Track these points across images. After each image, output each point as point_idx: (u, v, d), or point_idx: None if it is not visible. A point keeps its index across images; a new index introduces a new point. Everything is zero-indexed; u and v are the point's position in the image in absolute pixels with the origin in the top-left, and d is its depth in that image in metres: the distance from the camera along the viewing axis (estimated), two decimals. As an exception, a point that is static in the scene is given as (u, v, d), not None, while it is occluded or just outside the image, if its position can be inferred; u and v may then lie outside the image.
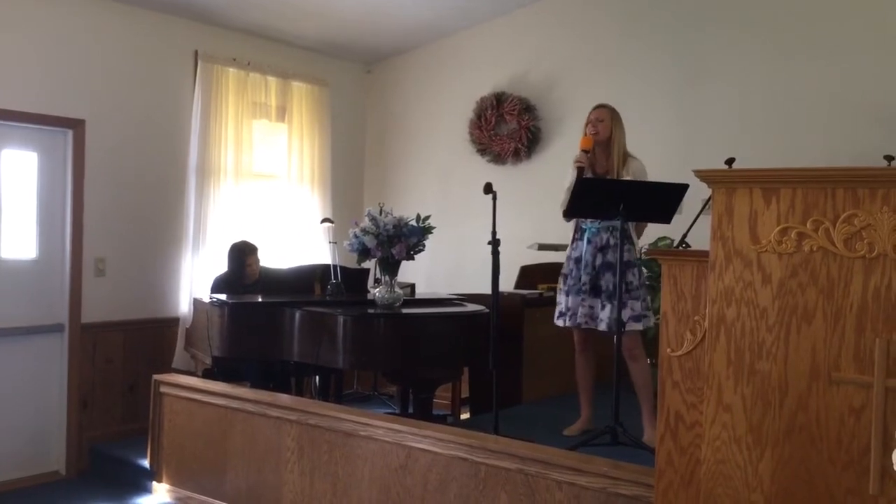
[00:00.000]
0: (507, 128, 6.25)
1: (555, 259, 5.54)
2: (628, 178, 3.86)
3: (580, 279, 3.88)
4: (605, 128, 3.91)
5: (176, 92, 5.77)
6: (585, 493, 3.02)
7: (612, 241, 3.82)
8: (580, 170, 3.82)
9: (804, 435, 2.13)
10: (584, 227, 3.92)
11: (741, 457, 2.21)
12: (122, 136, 5.45)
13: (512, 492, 3.22)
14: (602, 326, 3.81)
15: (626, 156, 3.92)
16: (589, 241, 3.86)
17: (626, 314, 3.75)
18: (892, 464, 1.98)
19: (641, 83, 5.55)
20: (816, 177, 2.12)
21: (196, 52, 5.82)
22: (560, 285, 4.02)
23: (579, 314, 3.87)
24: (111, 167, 5.39)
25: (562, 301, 3.98)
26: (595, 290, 3.82)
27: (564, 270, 3.99)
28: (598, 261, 3.83)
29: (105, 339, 5.39)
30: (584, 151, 3.86)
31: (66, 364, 5.22)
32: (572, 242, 3.99)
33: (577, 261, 3.92)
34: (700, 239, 3.42)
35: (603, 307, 3.80)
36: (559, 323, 4.00)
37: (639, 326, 3.80)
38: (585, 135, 3.93)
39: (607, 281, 3.79)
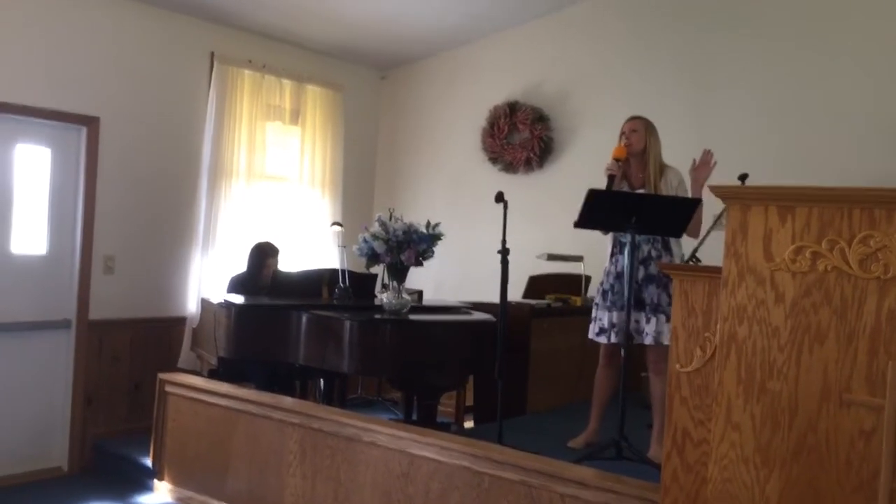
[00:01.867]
0: (519, 137, 6.25)
1: (564, 270, 5.53)
2: (667, 188, 3.83)
3: (623, 294, 3.79)
4: (639, 139, 3.87)
5: (191, 92, 5.79)
6: (589, 507, 3.00)
7: (653, 253, 3.79)
8: (611, 178, 3.78)
9: (813, 456, 2.10)
10: (623, 240, 3.84)
11: (749, 476, 2.19)
12: (135, 134, 5.47)
13: (514, 503, 3.19)
14: (647, 340, 3.74)
15: (662, 167, 3.89)
16: (629, 255, 3.82)
17: (669, 327, 3.71)
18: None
19: (655, 95, 5.54)
20: (833, 196, 2.10)
21: (212, 54, 5.83)
22: (598, 301, 3.93)
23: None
24: (124, 165, 5.40)
25: (603, 317, 3.88)
26: (639, 304, 3.73)
27: (605, 286, 3.91)
28: (640, 273, 3.75)
29: (112, 336, 5.40)
30: (616, 160, 3.82)
31: (73, 360, 5.23)
32: (611, 257, 3.92)
33: (619, 276, 3.84)
34: (710, 255, 3.42)
35: (648, 320, 3.73)
36: (601, 340, 3.91)
37: None
38: (620, 144, 3.89)
39: (651, 294, 3.73)
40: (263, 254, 5.38)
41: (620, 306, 3.81)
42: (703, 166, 3.80)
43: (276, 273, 5.53)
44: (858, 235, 2.05)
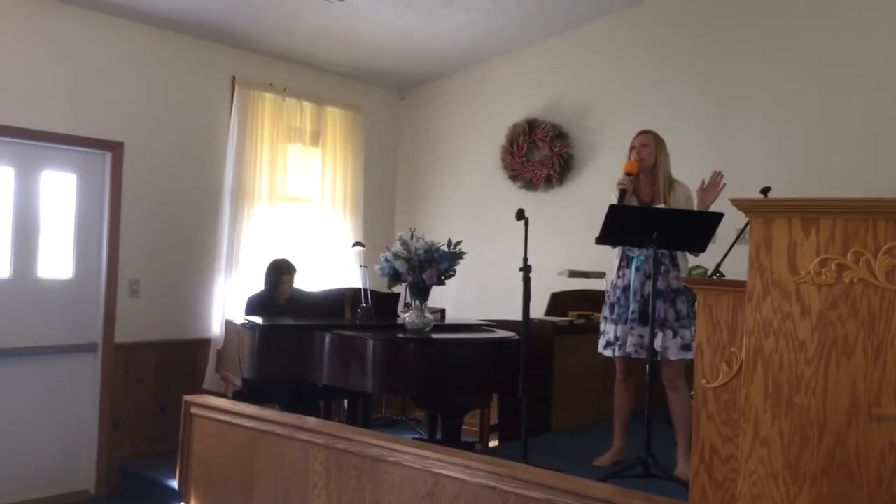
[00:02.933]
0: (539, 154, 6.25)
1: (586, 286, 5.51)
2: (675, 203, 3.81)
3: (629, 308, 3.81)
4: (650, 153, 3.86)
5: (213, 116, 5.86)
6: (616, 525, 2.96)
7: (661, 269, 3.77)
8: (622, 192, 3.77)
9: (843, 471, 2.07)
10: (630, 254, 3.84)
11: (778, 493, 2.16)
12: (159, 158, 5.54)
13: (541, 522, 3.16)
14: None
15: (671, 181, 3.88)
16: (637, 269, 3.79)
17: (676, 343, 3.69)
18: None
19: (674, 109, 5.53)
20: (857, 207, 2.07)
21: (233, 78, 5.91)
22: (606, 314, 3.93)
23: (629, 343, 3.79)
24: (148, 189, 5.47)
25: (609, 330, 3.89)
26: (644, 319, 3.70)
27: (611, 299, 3.91)
28: (647, 288, 3.74)
29: (137, 359, 5.44)
30: (628, 174, 3.82)
31: (99, 383, 5.28)
32: (618, 271, 3.91)
33: (625, 289, 3.84)
34: (734, 268, 3.39)
35: (654, 336, 3.73)
36: (607, 353, 3.90)
37: (689, 356, 3.70)
38: (630, 159, 3.89)
39: (658, 309, 3.70)
40: (280, 271, 5.40)
41: (625, 319, 3.80)
42: (711, 187, 3.78)
43: (298, 293, 5.56)
44: (884, 247, 2.02)
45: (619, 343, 3.83)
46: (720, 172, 3.80)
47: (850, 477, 2.06)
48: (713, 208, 3.68)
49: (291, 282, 5.44)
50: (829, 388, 2.10)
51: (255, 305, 5.34)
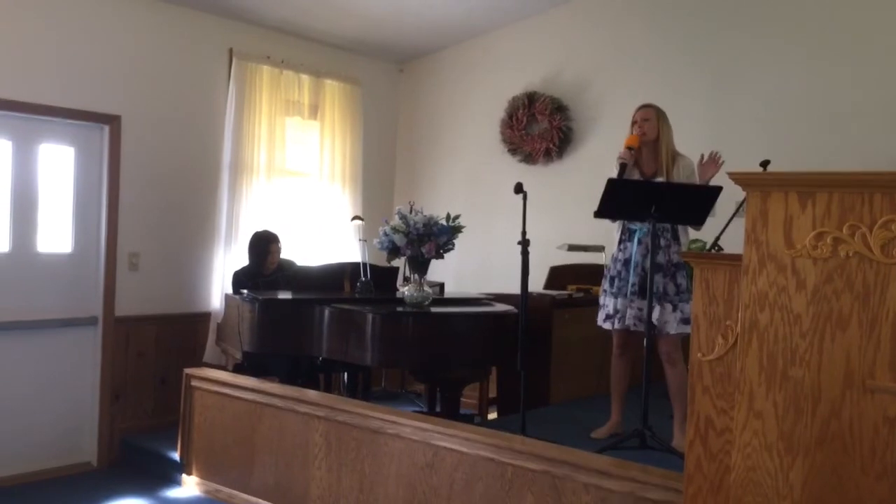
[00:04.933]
0: (538, 128, 6.23)
1: (585, 260, 5.52)
2: (678, 177, 3.81)
3: (629, 281, 3.81)
4: (652, 127, 3.85)
5: (210, 89, 5.83)
6: (613, 496, 3.00)
7: (662, 242, 3.77)
8: (622, 166, 3.77)
9: (837, 443, 2.09)
10: (632, 227, 3.85)
11: (772, 464, 2.18)
12: (156, 131, 5.52)
13: (538, 493, 3.20)
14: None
15: (675, 155, 3.87)
16: (640, 242, 3.80)
17: (675, 317, 3.71)
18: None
19: (674, 83, 5.50)
20: (853, 181, 2.08)
21: (231, 50, 5.87)
22: (605, 287, 3.95)
23: (628, 316, 3.81)
24: (146, 162, 5.46)
25: (608, 303, 3.90)
26: (645, 292, 3.71)
27: (611, 273, 3.91)
28: (648, 262, 3.77)
29: (138, 332, 5.47)
30: (629, 149, 3.81)
31: (100, 357, 5.31)
32: (619, 244, 3.91)
33: (626, 262, 3.85)
34: (732, 242, 3.39)
35: (653, 309, 3.73)
36: (606, 326, 3.92)
37: (688, 330, 3.71)
38: (632, 133, 3.87)
39: (657, 283, 3.72)
40: (265, 241, 5.43)
41: (626, 293, 3.81)
42: (711, 164, 3.79)
43: (286, 264, 5.58)
44: (880, 220, 2.03)
45: (618, 316, 3.84)
46: (719, 153, 3.80)
47: (843, 449, 2.09)
48: (714, 182, 3.69)
49: (279, 250, 5.48)
50: (823, 360, 2.11)
51: (242, 279, 5.35)
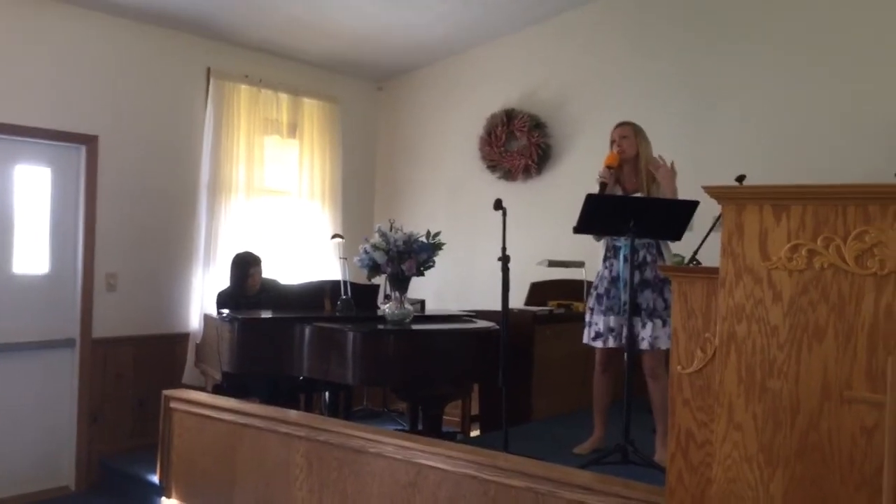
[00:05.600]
0: (517, 144, 6.26)
1: (565, 276, 5.54)
2: (658, 192, 3.83)
3: (621, 299, 3.80)
4: (631, 145, 3.88)
5: (188, 108, 5.81)
6: (595, 511, 2.99)
7: (648, 258, 3.79)
8: (603, 185, 3.79)
9: (816, 454, 2.10)
10: (617, 244, 3.86)
11: (752, 476, 2.19)
12: (134, 151, 5.49)
13: (521, 510, 3.19)
14: (644, 345, 3.72)
15: (654, 174, 3.89)
16: (626, 259, 3.81)
17: (665, 332, 3.70)
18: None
19: (652, 100, 5.55)
20: (827, 193, 2.10)
21: (209, 69, 5.87)
22: (592, 305, 3.93)
23: (624, 334, 3.80)
24: (123, 183, 5.43)
25: (598, 322, 3.88)
26: (637, 309, 3.71)
27: (599, 290, 3.90)
28: (636, 278, 3.75)
29: (116, 354, 5.41)
30: (608, 168, 3.83)
31: (77, 379, 5.24)
32: (605, 261, 3.91)
33: (614, 280, 3.84)
34: (710, 256, 3.42)
35: (644, 325, 3.72)
36: (597, 344, 3.90)
37: None
38: (612, 152, 3.90)
39: (646, 299, 3.72)
40: (246, 264, 5.39)
41: (617, 311, 3.81)
42: (665, 172, 3.81)
43: (277, 286, 5.55)
44: (854, 232, 2.05)
45: (613, 334, 3.84)
46: (661, 159, 3.83)
47: (822, 460, 2.10)
48: (690, 195, 3.72)
49: (260, 273, 5.44)
50: (801, 372, 2.13)
51: (226, 300, 5.32)
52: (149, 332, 5.58)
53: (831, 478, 2.08)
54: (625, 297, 3.78)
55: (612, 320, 3.84)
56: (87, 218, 5.25)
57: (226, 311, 4.90)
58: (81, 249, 5.24)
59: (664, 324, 3.73)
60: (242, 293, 5.36)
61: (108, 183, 5.34)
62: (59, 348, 5.19)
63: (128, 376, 5.49)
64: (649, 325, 3.72)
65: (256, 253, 5.50)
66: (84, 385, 5.25)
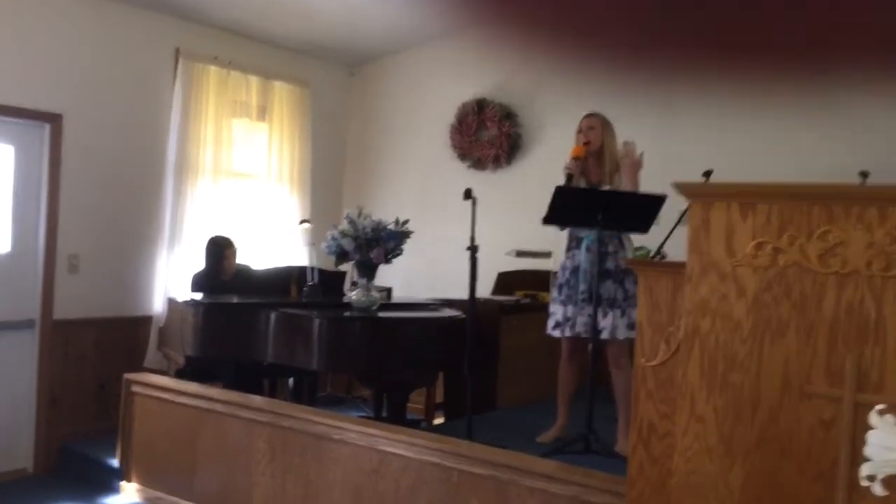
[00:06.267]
0: (487, 134, 6.27)
1: (533, 266, 5.56)
2: (621, 185, 3.86)
3: (579, 289, 3.84)
4: (597, 136, 3.91)
5: (156, 89, 5.72)
6: (557, 500, 3.03)
7: (610, 249, 3.83)
8: (569, 177, 3.81)
9: (775, 446, 2.15)
10: (579, 235, 3.89)
11: (712, 467, 2.23)
12: (100, 131, 5.40)
13: (484, 498, 3.22)
14: (604, 335, 3.76)
15: (618, 164, 3.92)
16: (588, 250, 3.84)
17: (624, 322, 3.74)
18: (859, 477, 2.00)
19: (621, 93, 5.57)
20: (793, 193, 2.14)
21: (177, 50, 5.78)
22: (555, 295, 3.97)
23: (579, 323, 3.83)
24: (88, 162, 5.33)
25: (558, 311, 3.92)
26: (597, 299, 3.74)
27: (560, 280, 3.94)
28: (597, 269, 3.81)
29: (77, 336, 5.33)
30: (575, 159, 3.85)
31: (37, 361, 5.16)
32: (567, 251, 3.95)
33: (575, 270, 3.88)
34: (675, 250, 3.46)
35: (605, 315, 3.75)
36: (556, 333, 3.94)
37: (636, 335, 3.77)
38: (578, 144, 3.92)
39: (607, 289, 3.76)
40: (220, 247, 5.35)
41: (575, 300, 3.85)
42: (629, 164, 3.81)
43: (244, 270, 5.51)
44: (817, 231, 2.09)
45: (569, 324, 3.88)
46: (631, 143, 3.83)
47: (781, 452, 2.14)
48: (657, 189, 3.75)
49: (235, 255, 5.40)
50: (762, 366, 2.17)
51: (200, 282, 5.27)
52: (111, 315, 5.50)
53: (789, 470, 2.13)
54: (583, 286, 3.82)
55: (569, 310, 3.88)
56: (50, 197, 5.15)
57: (200, 295, 4.85)
58: (44, 229, 5.15)
59: (623, 314, 3.77)
60: (217, 276, 5.30)
61: (73, 162, 5.25)
62: (18, 329, 5.10)
63: (89, 359, 5.41)
64: (609, 315, 3.76)
65: (228, 236, 5.45)
66: (44, 367, 5.17)
